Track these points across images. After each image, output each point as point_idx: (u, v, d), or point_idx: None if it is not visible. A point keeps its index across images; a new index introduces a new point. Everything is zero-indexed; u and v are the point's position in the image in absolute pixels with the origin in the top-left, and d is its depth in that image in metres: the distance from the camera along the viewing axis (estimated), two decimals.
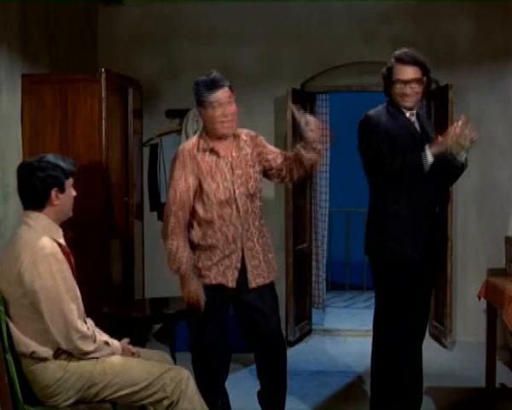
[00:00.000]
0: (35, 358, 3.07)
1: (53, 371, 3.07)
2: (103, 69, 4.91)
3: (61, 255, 3.10)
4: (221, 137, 3.70)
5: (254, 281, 3.73)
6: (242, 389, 4.01)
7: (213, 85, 3.66)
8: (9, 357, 3.02)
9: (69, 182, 3.20)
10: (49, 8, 5.25)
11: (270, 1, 6.11)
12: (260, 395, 3.95)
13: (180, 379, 3.15)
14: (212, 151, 3.71)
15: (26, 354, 3.06)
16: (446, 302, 5.89)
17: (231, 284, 3.71)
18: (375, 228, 3.81)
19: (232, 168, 3.71)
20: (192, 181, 3.69)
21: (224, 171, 3.70)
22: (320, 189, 6.62)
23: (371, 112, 3.85)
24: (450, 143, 3.57)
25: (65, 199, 3.18)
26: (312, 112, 6.37)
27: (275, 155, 3.83)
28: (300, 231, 6.24)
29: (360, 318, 6.89)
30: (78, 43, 5.85)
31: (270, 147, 3.88)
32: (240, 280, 3.72)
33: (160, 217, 6.09)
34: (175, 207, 3.69)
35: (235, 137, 3.76)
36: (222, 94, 3.64)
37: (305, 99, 6.21)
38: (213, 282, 3.71)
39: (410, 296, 3.75)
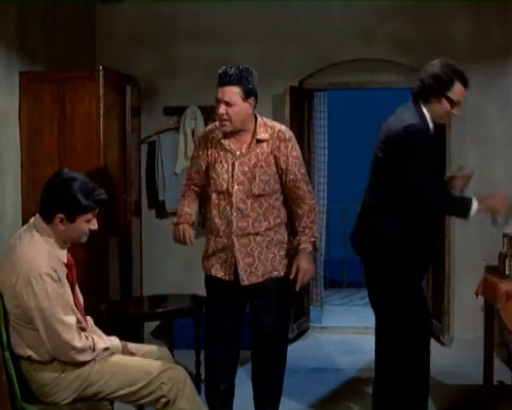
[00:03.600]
0: (32, 360, 3.07)
1: (50, 371, 3.08)
2: (101, 67, 4.90)
3: (55, 274, 3.01)
4: (227, 132, 3.68)
5: (247, 279, 3.71)
6: (246, 386, 4.00)
7: (219, 81, 3.60)
8: (8, 355, 3.01)
9: (85, 217, 3.09)
10: (48, 6, 5.24)
11: (270, 1, 6.10)
12: (255, 398, 3.93)
13: (177, 379, 3.15)
14: (219, 142, 3.71)
15: (23, 356, 3.07)
16: (444, 300, 5.90)
17: (228, 277, 3.73)
18: None
19: (235, 164, 3.66)
20: (202, 162, 3.79)
21: (228, 163, 3.67)
22: (318, 186, 6.61)
23: (421, 126, 3.58)
24: (501, 211, 3.62)
25: (72, 229, 3.08)
26: (310, 109, 6.39)
27: (292, 176, 3.68)
28: None
29: (358, 315, 6.90)
30: (76, 41, 5.84)
31: (293, 162, 3.68)
32: (236, 275, 3.72)
33: (159, 214, 6.14)
34: (189, 181, 3.91)
35: (254, 134, 3.67)
36: (221, 91, 3.57)
37: (302, 96, 6.21)
38: (207, 273, 3.81)
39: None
